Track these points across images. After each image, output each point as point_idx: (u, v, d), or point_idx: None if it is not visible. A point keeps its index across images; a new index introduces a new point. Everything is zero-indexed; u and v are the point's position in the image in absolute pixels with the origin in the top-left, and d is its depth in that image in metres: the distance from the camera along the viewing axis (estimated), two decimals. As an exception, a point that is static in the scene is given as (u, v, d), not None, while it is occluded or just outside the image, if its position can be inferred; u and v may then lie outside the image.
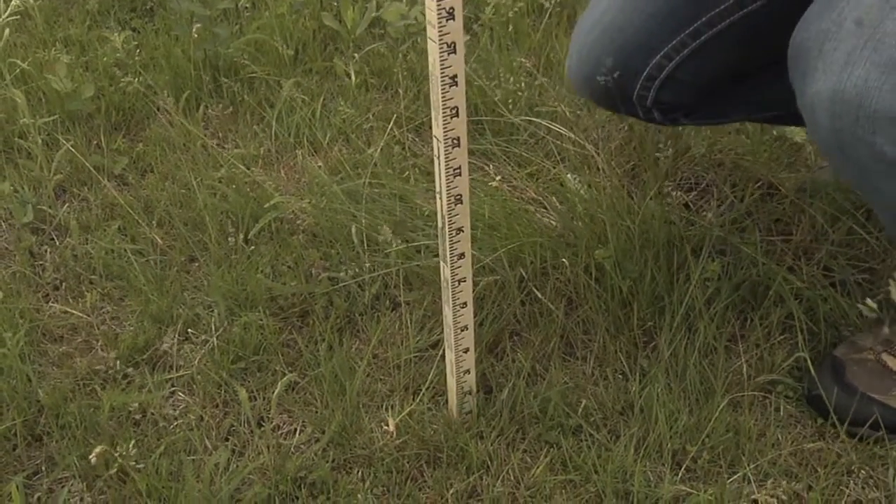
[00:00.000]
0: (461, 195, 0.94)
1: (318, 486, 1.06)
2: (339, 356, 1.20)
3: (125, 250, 1.41)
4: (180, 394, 1.20)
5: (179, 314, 1.30)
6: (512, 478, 1.06)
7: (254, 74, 1.81)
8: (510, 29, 1.86)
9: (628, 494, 1.04)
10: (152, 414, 1.16)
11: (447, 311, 1.03)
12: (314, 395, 1.18)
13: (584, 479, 1.05)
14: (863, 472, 1.05)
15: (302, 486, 1.06)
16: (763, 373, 1.16)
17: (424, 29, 1.79)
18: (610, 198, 1.33)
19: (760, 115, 1.33)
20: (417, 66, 1.78)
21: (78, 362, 1.24)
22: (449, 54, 0.85)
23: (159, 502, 1.03)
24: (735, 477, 1.05)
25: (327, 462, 1.09)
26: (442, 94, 0.87)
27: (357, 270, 1.31)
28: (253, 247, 1.41)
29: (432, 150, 1.60)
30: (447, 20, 0.83)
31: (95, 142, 1.68)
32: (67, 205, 1.55)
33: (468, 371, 1.08)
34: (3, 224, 1.52)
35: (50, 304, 1.35)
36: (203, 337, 1.27)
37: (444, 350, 1.09)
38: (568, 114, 1.59)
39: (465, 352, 1.06)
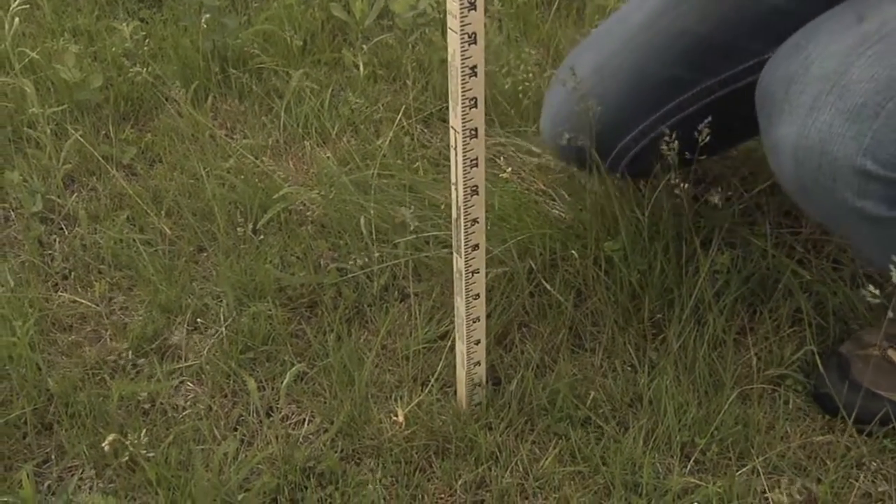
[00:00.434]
0: (477, 186, 0.94)
1: (326, 476, 1.06)
2: (348, 347, 1.20)
3: (134, 240, 1.42)
4: (189, 383, 1.20)
5: (188, 304, 1.30)
6: (521, 469, 1.06)
7: (262, 65, 1.81)
8: (519, 20, 1.86)
9: (637, 486, 1.04)
10: (161, 403, 1.16)
11: (459, 303, 1.03)
12: (323, 385, 1.18)
13: (593, 471, 1.05)
14: (873, 464, 1.05)
15: (310, 476, 1.06)
16: (772, 366, 1.16)
17: (433, 20, 1.79)
18: (619, 190, 1.33)
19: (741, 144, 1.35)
20: (426, 57, 1.78)
21: (87, 351, 1.24)
22: (470, 45, 0.85)
23: (168, 491, 1.04)
24: (744, 469, 1.05)
25: (336, 452, 1.09)
26: (462, 84, 0.87)
27: (366, 261, 1.31)
28: (262, 237, 1.41)
29: (441, 140, 1.61)
30: (469, 10, 0.83)
31: (104, 132, 1.69)
32: (76, 194, 1.55)
33: (479, 363, 1.08)
34: (12, 213, 1.52)
35: (59, 293, 1.35)
36: (212, 327, 1.27)
37: (452, 341, 1.09)
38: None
39: (477, 343, 1.06)
